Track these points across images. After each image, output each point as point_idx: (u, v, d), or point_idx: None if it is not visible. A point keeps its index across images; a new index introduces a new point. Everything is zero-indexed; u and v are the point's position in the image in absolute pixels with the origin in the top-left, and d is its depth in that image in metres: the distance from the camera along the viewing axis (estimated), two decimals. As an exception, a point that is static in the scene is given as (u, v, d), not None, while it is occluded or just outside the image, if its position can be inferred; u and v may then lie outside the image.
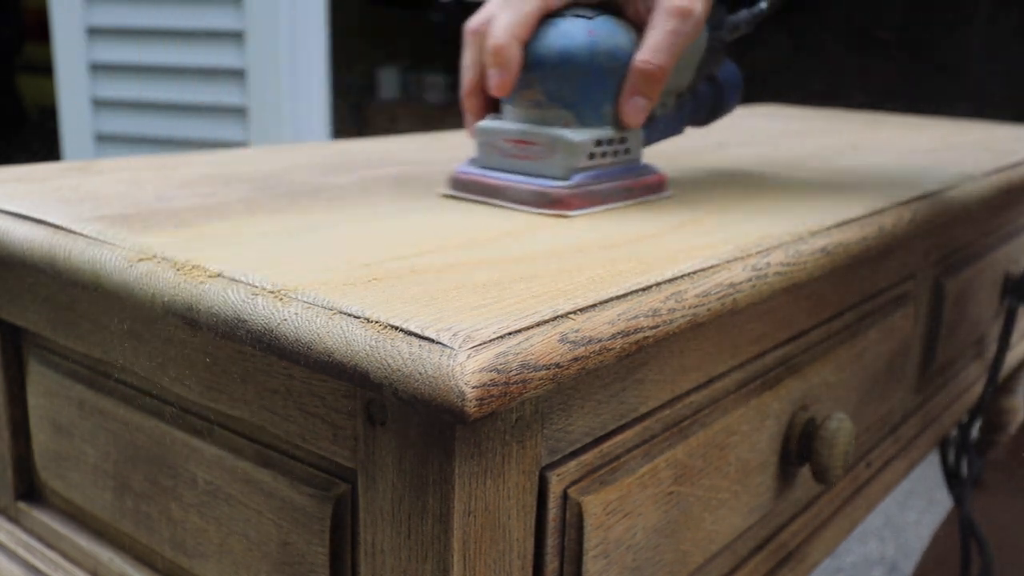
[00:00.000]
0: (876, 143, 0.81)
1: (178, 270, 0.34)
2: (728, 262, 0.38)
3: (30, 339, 0.46)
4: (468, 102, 0.49)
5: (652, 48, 0.46)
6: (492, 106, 0.50)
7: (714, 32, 0.53)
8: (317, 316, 0.29)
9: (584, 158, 0.46)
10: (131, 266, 0.35)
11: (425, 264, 0.35)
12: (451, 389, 0.26)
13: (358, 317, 0.29)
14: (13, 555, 0.49)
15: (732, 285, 0.37)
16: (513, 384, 0.27)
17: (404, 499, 0.31)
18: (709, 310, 0.36)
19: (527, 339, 0.28)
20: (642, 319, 0.32)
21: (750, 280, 0.38)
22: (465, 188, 0.49)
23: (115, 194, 0.46)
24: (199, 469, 0.39)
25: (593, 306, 0.31)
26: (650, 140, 0.52)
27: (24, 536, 0.49)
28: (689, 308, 0.34)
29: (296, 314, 0.30)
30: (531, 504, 0.33)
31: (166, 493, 0.41)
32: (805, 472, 0.53)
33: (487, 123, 0.48)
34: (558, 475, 0.34)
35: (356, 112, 4.02)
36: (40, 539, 0.48)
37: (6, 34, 4.68)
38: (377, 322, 0.28)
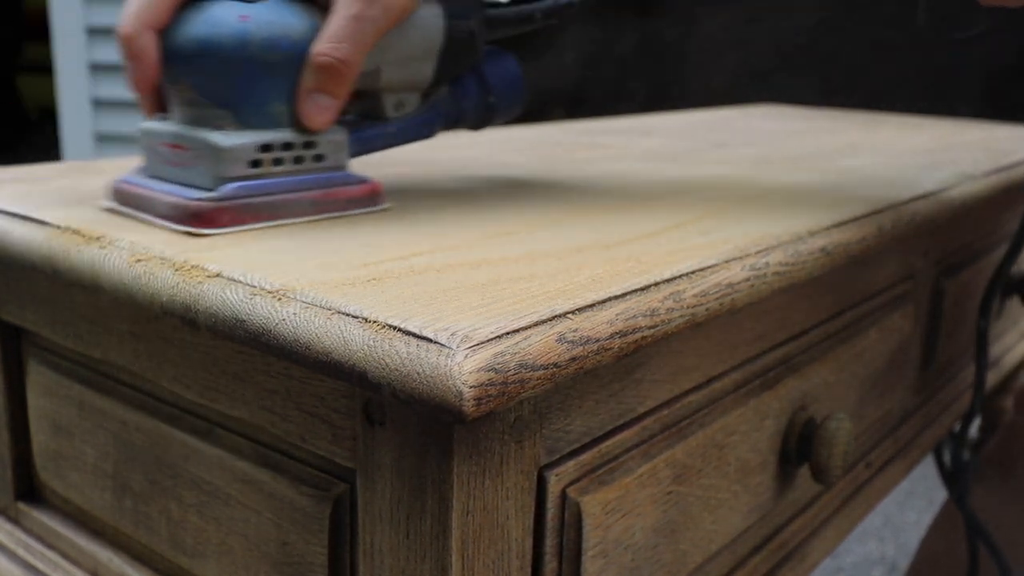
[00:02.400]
0: (876, 143, 0.81)
1: (177, 270, 0.34)
2: (727, 262, 0.38)
3: (30, 339, 0.46)
4: (140, 99, 0.42)
5: (331, 37, 0.40)
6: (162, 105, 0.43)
7: (456, 20, 0.46)
8: (315, 316, 0.29)
9: (241, 166, 0.40)
10: (130, 266, 0.35)
11: (424, 264, 0.35)
12: (449, 389, 0.26)
13: (356, 317, 0.29)
14: (13, 555, 0.49)
15: (731, 285, 0.37)
16: (511, 384, 0.27)
17: (403, 499, 0.31)
18: (708, 310, 0.36)
19: (525, 339, 0.28)
20: (640, 319, 0.32)
21: (749, 280, 0.38)
22: (121, 200, 0.43)
23: (114, 194, 0.46)
24: (198, 469, 0.39)
25: (591, 306, 0.31)
26: (375, 145, 0.46)
27: (24, 536, 0.49)
28: (687, 308, 0.34)
29: (294, 314, 0.30)
30: (530, 504, 0.33)
31: (165, 493, 0.41)
32: (805, 472, 0.53)
33: (149, 124, 0.42)
34: (557, 475, 0.34)
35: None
36: (40, 539, 0.48)
37: (6, 34, 4.68)
38: (375, 322, 0.28)
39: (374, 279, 0.32)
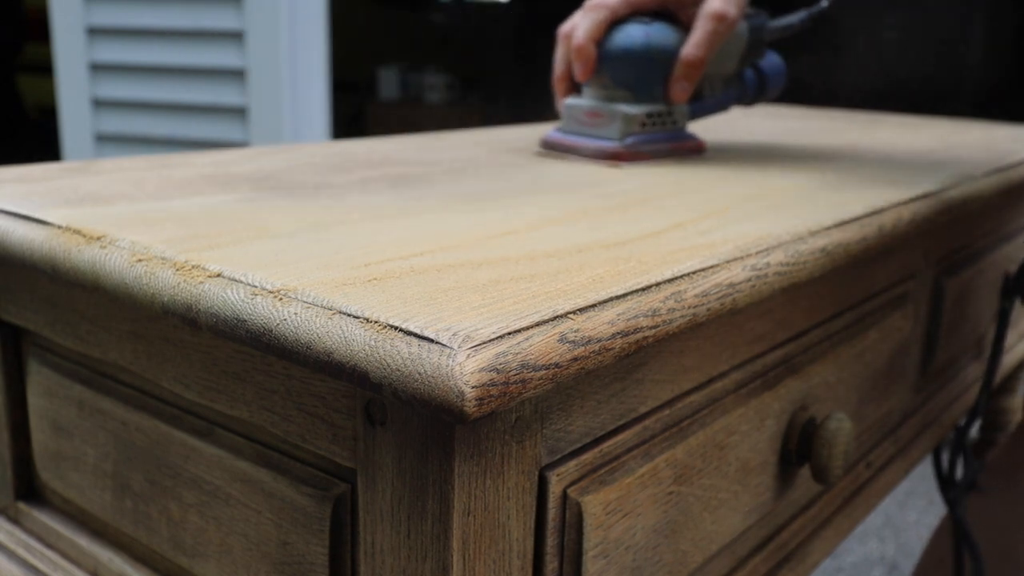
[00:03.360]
0: (875, 143, 0.81)
1: (178, 270, 0.34)
2: (728, 262, 0.38)
3: (30, 339, 0.46)
4: (558, 86, 0.66)
5: (694, 44, 0.61)
6: (574, 89, 0.66)
7: (754, 31, 0.66)
8: (316, 316, 0.29)
9: (637, 126, 0.63)
10: (131, 266, 0.35)
11: (425, 264, 0.35)
12: (450, 389, 0.26)
13: (357, 317, 0.29)
14: (13, 555, 0.49)
15: (732, 285, 0.37)
16: (512, 384, 0.27)
17: (404, 499, 0.31)
18: (709, 310, 0.36)
19: (527, 339, 0.28)
20: (641, 319, 0.32)
21: (749, 280, 0.38)
22: (552, 147, 0.65)
23: (115, 194, 0.46)
24: (199, 469, 0.39)
25: (592, 306, 0.31)
26: (699, 115, 0.68)
27: (24, 536, 0.49)
28: (689, 308, 0.34)
29: (295, 314, 0.30)
30: (531, 504, 0.33)
31: (166, 493, 0.41)
32: (805, 472, 0.53)
33: (571, 101, 0.65)
34: (558, 475, 0.34)
35: (356, 112, 4.02)
36: (40, 539, 0.48)
37: (6, 34, 4.68)
38: (376, 322, 0.28)
39: (375, 279, 0.32)
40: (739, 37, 0.66)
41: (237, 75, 1.94)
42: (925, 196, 0.55)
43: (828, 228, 0.45)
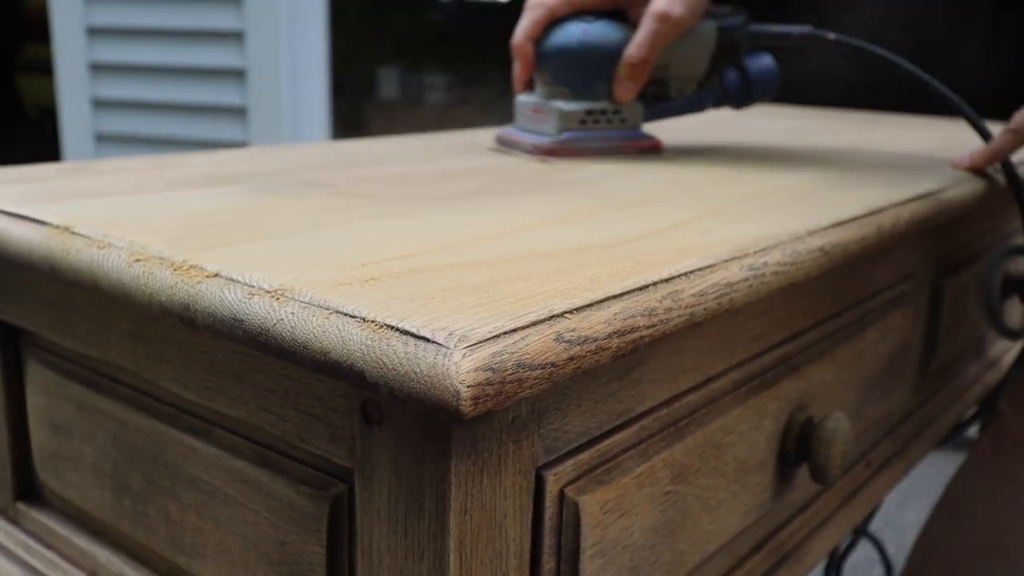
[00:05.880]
0: (875, 143, 0.81)
1: (175, 270, 0.34)
2: (725, 262, 0.38)
3: (29, 339, 0.46)
4: (517, 84, 0.68)
5: (636, 44, 0.62)
6: (530, 85, 0.68)
7: (726, 31, 0.66)
8: (313, 316, 0.29)
9: (575, 123, 0.64)
10: (129, 266, 0.35)
11: (422, 264, 0.35)
12: (446, 388, 0.26)
13: (354, 317, 0.29)
14: (12, 555, 0.49)
15: (729, 285, 0.37)
16: (508, 383, 0.27)
17: (401, 498, 0.31)
18: (706, 310, 0.36)
19: (523, 338, 0.28)
20: (638, 319, 0.32)
21: (747, 280, 0.38)
22: (501, 143, 0.69)
23: (114, 194, 0.46)
24: (197, 469, 0.39)
25: (589, 305, 0.31)
26: (663, 115, 0.68)
27: (23, 536, 0.49)
28: (686, 308, 0.34)
29: (292, 314, 0.30)
30: (527, 503, 0.33)
31: (164, 493, 0.41)
32: (804, 472, 0.53)
33: (521, 98, 0.68)
34: (555, 475, 0.34)
35: (356, 112, 4.02)
36: (39, 539, 0.48)
37: (6, 34, 4.68)
38: (373, 322, 0.28)
39: (372, 279, 0.32)
40: (704, 37, 0.65)
41: (237, 75, 1.95)
42: (924, 196, 0.55)
43: (826, 228, 0.45)
